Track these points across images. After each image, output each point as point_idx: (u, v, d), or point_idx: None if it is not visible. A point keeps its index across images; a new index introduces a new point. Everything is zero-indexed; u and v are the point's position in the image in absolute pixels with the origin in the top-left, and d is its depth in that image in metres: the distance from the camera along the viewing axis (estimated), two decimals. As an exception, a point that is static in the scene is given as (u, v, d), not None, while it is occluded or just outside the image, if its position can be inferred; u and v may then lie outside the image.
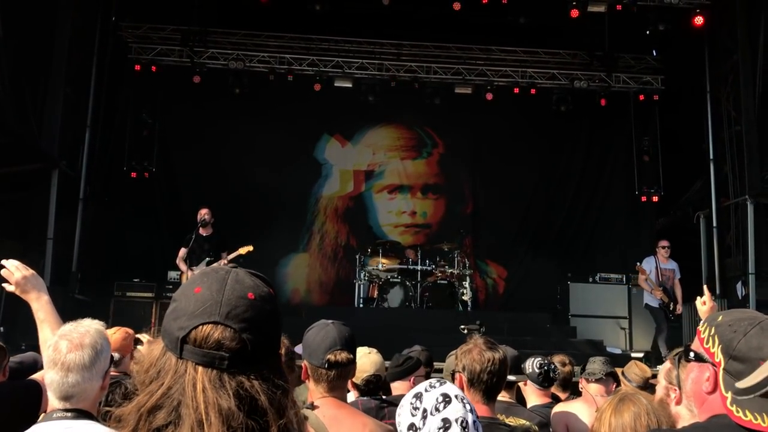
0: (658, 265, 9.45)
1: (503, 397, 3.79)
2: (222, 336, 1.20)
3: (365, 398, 3.59)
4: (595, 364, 4.63)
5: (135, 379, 1.25)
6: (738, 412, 1.61)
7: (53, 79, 10.71)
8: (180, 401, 1.18)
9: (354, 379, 3.72)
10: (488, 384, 2.93)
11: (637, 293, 12.13)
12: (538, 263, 13.95)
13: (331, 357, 2.63)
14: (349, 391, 3.85)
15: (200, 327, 1.20)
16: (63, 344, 2.45)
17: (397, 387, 4.14)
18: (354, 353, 2.72)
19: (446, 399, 2.08)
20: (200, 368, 1.19)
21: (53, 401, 2.44)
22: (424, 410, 2.07)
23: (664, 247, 9.64)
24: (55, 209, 10.76)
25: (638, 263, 9.70)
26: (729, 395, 1.64)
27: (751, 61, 11.47)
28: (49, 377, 2.45)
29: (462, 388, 2.85)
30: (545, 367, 4.27)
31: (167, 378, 1.20)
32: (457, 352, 3.10)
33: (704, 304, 4.33)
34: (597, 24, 12.86)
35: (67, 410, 2.41)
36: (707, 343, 1.74)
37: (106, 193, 12.92)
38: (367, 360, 3.77)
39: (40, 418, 2.65)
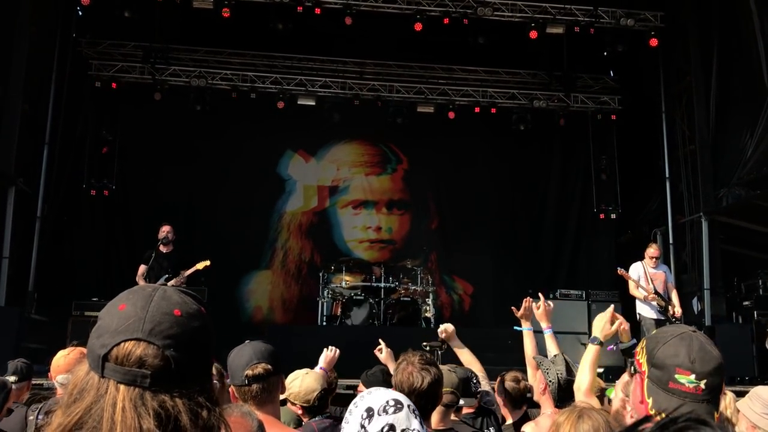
0: (646, 270, 9.02)
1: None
2: (144, 353, 1.16)
3: (317, 419, 3.59)
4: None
5: (61, 402, 1.21)
6: (658, 416, 1.66)
7: (10, 95, 10.50)
8: (100, 421, 1.14)
9: (303, 403, 3.69)
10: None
11: (596, 309, 12.32)
12: (502, 279, 14.05)
13: (249, 372, 2.64)
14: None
15: (122, 344, 1.17)
16: None
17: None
18: (275, 365, 2.70)
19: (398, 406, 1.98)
20: (122, 387, 1.15)
21: None
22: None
23: (650, 254, 9.08)
24: (12, 228, 10.54)
25: (619, 267, 9.13)
26: (650, 400, 1.72)
27: (704, 82, 11.83)
28: None
29: None
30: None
31: (88, 397, 1.16)
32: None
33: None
34: (556, 45, 13.09)
35: None
36: (639, 355, 1.84)
37: (64, 212, 12.67)
38: (311, 378, 3.76)
39: None
